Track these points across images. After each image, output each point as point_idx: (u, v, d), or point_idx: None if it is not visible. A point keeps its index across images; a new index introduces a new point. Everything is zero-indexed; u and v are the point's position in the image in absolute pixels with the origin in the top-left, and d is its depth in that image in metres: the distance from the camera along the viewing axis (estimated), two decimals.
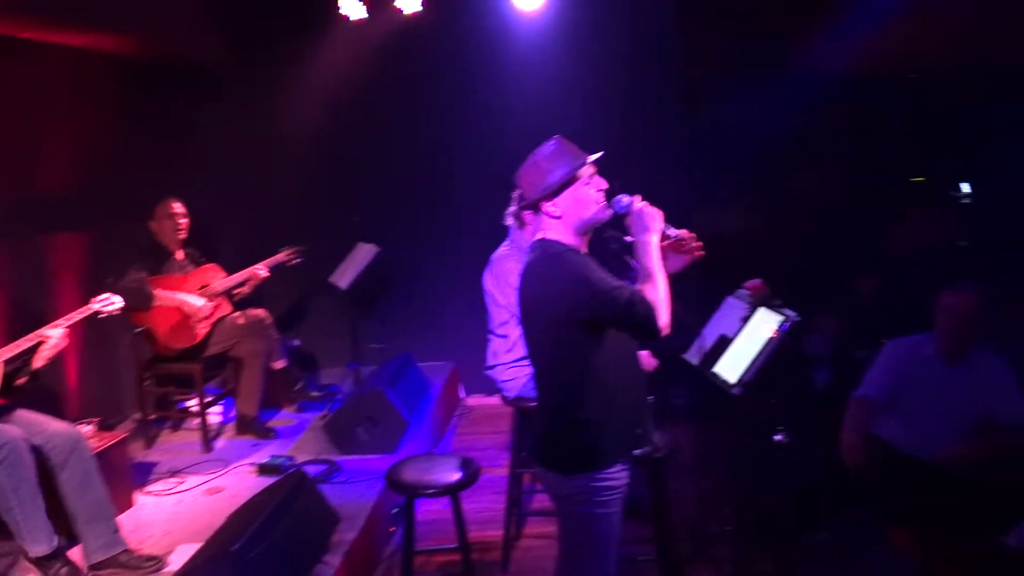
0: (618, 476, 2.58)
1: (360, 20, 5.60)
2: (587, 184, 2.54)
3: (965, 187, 7.38)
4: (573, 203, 2.53)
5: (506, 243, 3.82)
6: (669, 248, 2.65)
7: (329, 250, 5.76)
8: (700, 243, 2.65)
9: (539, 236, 2.62)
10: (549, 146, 2.57)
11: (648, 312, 2.39)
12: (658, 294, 2.44)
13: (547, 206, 2.55)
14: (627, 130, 5.62)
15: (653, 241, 2.52)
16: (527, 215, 3.67)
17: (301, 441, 4.99)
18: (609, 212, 2.57)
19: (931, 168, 7.12)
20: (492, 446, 5.39)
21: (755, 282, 3.37)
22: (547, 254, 2.53)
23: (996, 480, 3.20)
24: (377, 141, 6.05)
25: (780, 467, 3.40)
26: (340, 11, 5.56)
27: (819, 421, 4.48)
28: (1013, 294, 4.15)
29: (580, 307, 2.43)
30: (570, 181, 2.51)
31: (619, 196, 2.59)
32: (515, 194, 2.64)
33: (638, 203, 2.56)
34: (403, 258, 6.09)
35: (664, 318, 2.44)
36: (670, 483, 3.81)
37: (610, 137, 5.43)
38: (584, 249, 2.60)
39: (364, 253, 5.59)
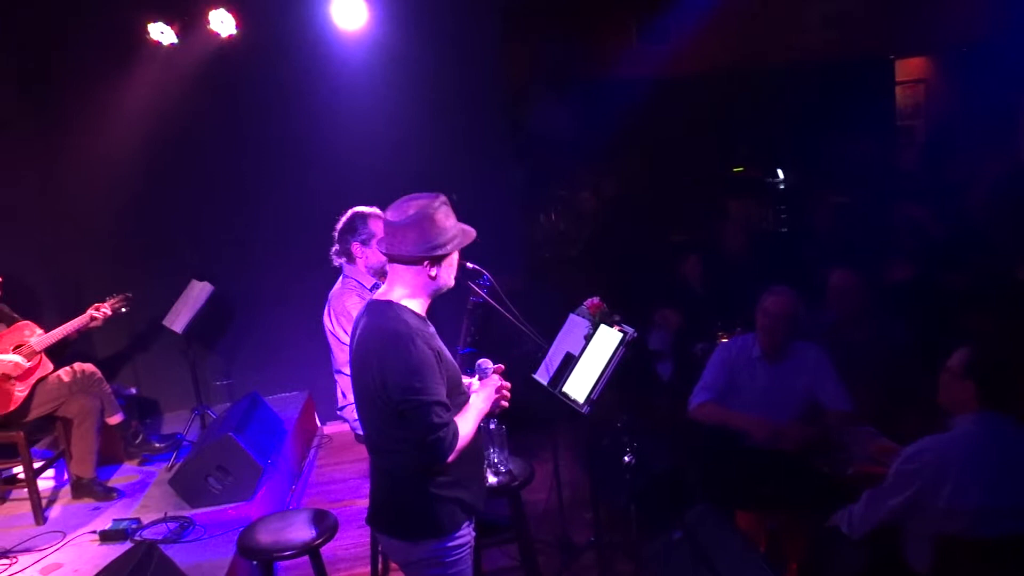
0: (466, 533, 2.52)
1: (172, 45, 5.34)
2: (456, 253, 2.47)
3: (780, 173, 8.00)
4: (447, 270, 2.43)
5: (340, 280, 3.75)
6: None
7: (159, 289, 5.43)
8: (507, 387, 2.62)
9: (385, 295, 2.44)
10: (441, 203, 2.38)
11: (444, 445, 2.31)
12: (464, 437, 2.39)
13: (426, 266, 2.37)
14: (455, 141, 5.65)
15: (483, 409, 2.52)
16: (355, 248, 3.61)
17: (147, 498, 4.67)
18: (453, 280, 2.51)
19: (749, 159, 7.67)
20: (354, 475, 5.29)
21: (593, 300, 3.49)
22: (387, 328, 2.35)
23: (823, 463, 3.45)
24: (200, 172, 5.70)
25: (631, 476, 3.52)
26: (149, 37, 5.28)
27: (666, 411, 4.71)
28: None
29: (398, 393, 2.30)
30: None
31: (483, 361, 2.61)
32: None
33: (494, 379, 2.58)
34: (241, 290, 5.83)
35: (453, 456, 2.36)
36: (534, 494, 3.88)
37: (437, 149, 5.52)
38: (424, 311, 2.46)
39: (198, 292, 5.31)
